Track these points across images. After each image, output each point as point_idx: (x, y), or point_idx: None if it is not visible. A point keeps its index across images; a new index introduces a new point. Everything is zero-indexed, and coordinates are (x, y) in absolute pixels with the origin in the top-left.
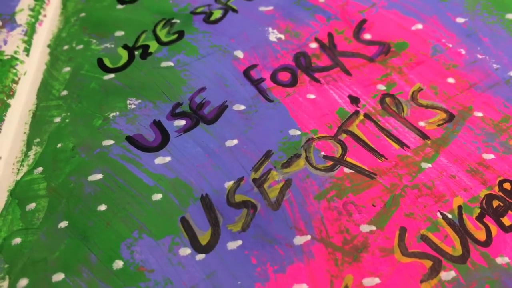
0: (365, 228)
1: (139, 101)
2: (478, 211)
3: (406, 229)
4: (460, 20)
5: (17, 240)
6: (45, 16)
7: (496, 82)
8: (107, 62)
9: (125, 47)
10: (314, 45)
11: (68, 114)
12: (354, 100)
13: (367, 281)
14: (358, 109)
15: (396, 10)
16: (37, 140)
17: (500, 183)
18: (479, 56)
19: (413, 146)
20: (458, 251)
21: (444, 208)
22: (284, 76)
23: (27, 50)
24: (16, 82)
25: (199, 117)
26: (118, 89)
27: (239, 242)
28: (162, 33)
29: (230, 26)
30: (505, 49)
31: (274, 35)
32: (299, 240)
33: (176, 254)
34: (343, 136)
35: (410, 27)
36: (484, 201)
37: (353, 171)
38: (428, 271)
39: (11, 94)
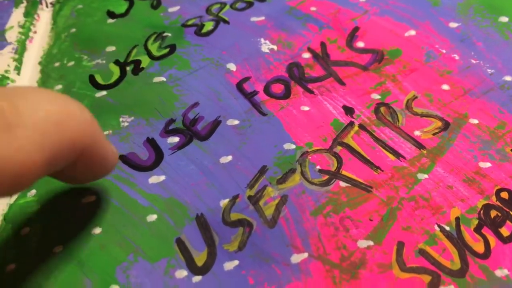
0: (362, 243)
1: (132, 118)
2: (476, 222)
3: (403, 243)
4: (453, 25)
5: (12, 266)
6: (35, 32)
7: (491, 87)
8: (98, 78)
9: (117, 62)
10: (307, 55)
11: None
12: (349, 110)
13: None
14: (352, 119)
15: (388, 16)
16: None
17: (498, 192)
18: (473, 61)
19: (409, 157)
20: (456, 264)
21: (441, 220)
22: (278, 88)
23: (18, 69)
24: None
25: (192, 133)
26: (111, 107)
27: (236, 262)
28: (153, 47)
29: (222, 38)
30: (499, 53)
31: (266, 46)
32: (296, 258)
33: (172, 276)
34: (338, 149)
35: (403, 34)
36: (481, 212)
37: (349, 185)
38: (427, 287)
39: None
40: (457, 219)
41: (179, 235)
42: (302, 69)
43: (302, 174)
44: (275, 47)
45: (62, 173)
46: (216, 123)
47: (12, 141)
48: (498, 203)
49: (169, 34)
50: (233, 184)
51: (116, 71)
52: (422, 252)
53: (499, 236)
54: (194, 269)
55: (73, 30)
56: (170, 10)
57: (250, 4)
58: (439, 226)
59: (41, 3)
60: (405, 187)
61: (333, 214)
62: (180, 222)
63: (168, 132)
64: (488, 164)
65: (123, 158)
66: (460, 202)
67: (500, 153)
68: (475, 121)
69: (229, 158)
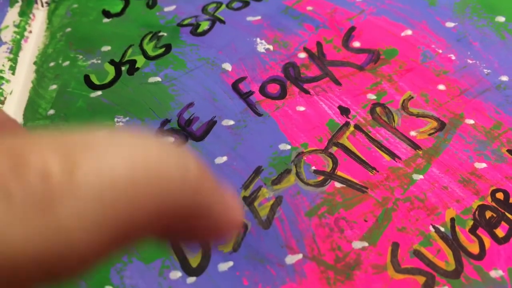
0: (357, 244)
1: (127, 118)
2: (471, 223)
3: (398, 244)
4: (449, 24)
5: None
6: (30, 32)
7: (487, 87)
8: (93, 78)
9: (112, 62)
10: (303, 55)
11: None
12: (344, 111)
13: None
14: (348, 120)
15: (385, 16)
16: None
17: (493, 193)
18: (470, 61)
19: (404, 157)
20: (451, 265)
21: (436, 221)
22: (273, 88)
23: (12, 68)
24: (2, 102)
25: (187, 134)
26: (106, 107)
27: (230, 263)
28: (149, 47)
29: (217, 37)
30: (496, 53)
31: (262, 46)
32: (290, 259)
33: (166, 278)
34: (333, 149)
35: (400, 34)
36: (476, 213)
37: (344, 185)
38: None
39: None
40: (452, 220)
41: None
42: (298, 69)
43: (297, 174)
44: (271, 47)
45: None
46: (212, 124)
47: (49, 222)
48: (493, 203)
49: (165, 34)
50: (228, 185)
51: (111, 71)
52: (417, 253)
53: (494, 237)
54: (188, 270)
55: (69, 29)
56: (166, 9)
57: (246, 4)
58: (434, 227)
59: (36, 3)
60: (401, 188)
61: (328, 215)
62: None
63: (163, 132)
64: (483, 165)
65: None
66: (455, 202)
67: (495, 154)
68: (471, 122)
69: (224, 158)
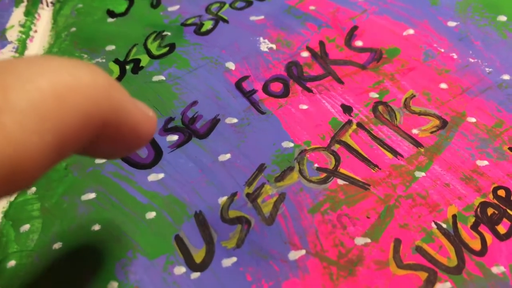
0: (359, 240)
1: None
2: (473, 219)
3: (400, 240)
4: (451, 24)
5: (12, 263)
6: (36, 31)
7: (488, 86)
8: None
9: (117, 61)
10: (305, 54)
11: None
12: (347, 109)
13: None
14: (351, 118)
15: (387, 15)
16: None
17: (494, 190)
18: (471, 60)
19: (406, 155)
20: (453, 261)
21: (438, 218)
22: (276, 87)
23: None
24: None
25: (191, 132)
26: None
27: (234, 259)
28: (153, 46)
29: (221, 37)
30: (497, 52)
31: (265, 45)
32: (293, 255)
33: (171, 273)
34: (336, 147)
35: (402, 33)
36: (478, 209)
37: (347, 183)
38: (423, 284)
39: None
40: (454, 216)
41: (178, 232)
42: (301, 68)
43: (300, 172)
44: (274, 46)
45: (89, 151)
46: (215, 122)
47: None
48: (495, 200)
49: (169, 33)
50: (231, 182)
51: (116, 70)
52: (419, 249)
53: (495, 233)
54: (192, 266)
55: (73, 29)
56: (170, 9)
57: (250, 3)
58: (436, 223)
59: (41, 2)
60: (403, 185)
61: (330, 211)
62: (179, 219)
63: (167, 130)
64: (485, 162)
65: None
66: (457, 199)
67: (497, 152)
68: (473, 120)
69: (228, 156)
